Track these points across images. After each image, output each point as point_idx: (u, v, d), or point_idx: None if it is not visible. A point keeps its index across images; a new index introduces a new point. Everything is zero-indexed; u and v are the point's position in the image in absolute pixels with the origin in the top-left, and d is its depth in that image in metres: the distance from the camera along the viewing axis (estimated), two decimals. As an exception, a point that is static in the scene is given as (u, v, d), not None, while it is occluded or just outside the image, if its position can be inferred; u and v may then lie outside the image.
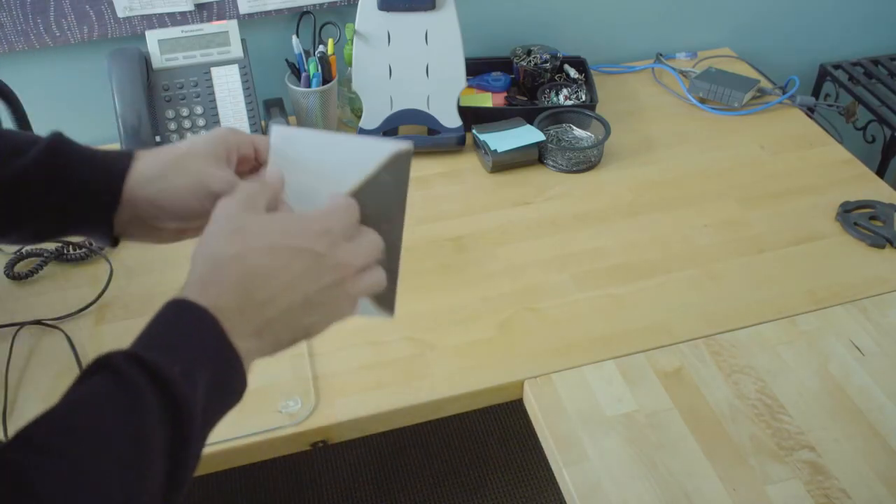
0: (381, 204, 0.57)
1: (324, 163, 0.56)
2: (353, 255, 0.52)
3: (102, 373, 0.42)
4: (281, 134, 0.56)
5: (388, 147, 0.55)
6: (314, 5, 1.21)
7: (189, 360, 0.44)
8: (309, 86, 1.16)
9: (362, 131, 1.19)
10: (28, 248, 1.01)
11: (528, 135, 1.15)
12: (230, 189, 0.53)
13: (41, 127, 1.03)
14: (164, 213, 0.55)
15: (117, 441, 0.40)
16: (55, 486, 0.37)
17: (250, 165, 0.59)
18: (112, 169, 0.55)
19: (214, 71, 1.11)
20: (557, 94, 1.26)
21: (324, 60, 1.16)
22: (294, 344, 0.51)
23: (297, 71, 1.18)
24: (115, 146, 1.19)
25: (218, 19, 1.18)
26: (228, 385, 0.47)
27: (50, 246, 1.01)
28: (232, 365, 0.46)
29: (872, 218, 1.05)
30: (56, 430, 0.39)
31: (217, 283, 0.47)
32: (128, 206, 0.55)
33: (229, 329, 0.46)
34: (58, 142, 0.54)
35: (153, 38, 1.09)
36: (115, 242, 0.57)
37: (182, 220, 0.56)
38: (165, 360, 0.43)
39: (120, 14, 1.15)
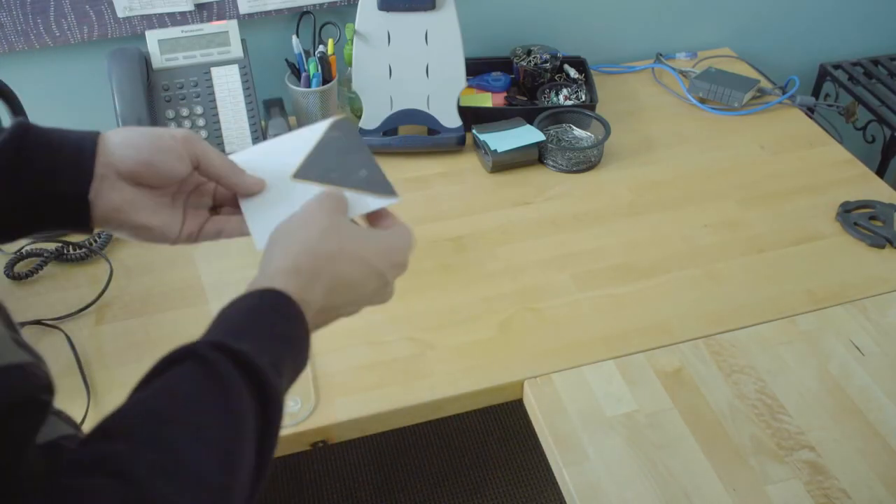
0: (344, 151, 0.62)
1: (283, 157, 0.62)
2: (397, 274, 0.56)
3: (189, 362, 0.43)
4: (240, 160, 0.60)
5: (327, 121, 0.63)
6: (314, 5, 1.21)
7: (280, 350, 0.46)
8: (309, 86, 1.16)
9: (362, 131, 1.19)
10: (28, 247, 1.01)
11: (528, 135, 1.15)
12: (192, 132, 0.55)
13: (41, 127, 1.04)
14: (144, 171, 0.54)
15: (213, 429, 0.40)
16: (158, 476, 0.37)
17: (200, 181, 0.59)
18: (81, 141, 0.53)
19: (214, 71, 1.11)
20: (557, 94, 1.26)
21: (324, 60, 1.16)
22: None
23: (297, 71, 1.18)
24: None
25: (218, 19, 1.18)
26: (300, 366, 0.49)
27: (50, 246, 1.01)
28: (306, 355, 0.49)
29: (872, 218, 1.05)
30: (153, 421, 0.40)
31: (311, 277, 0.50)
32: (103, 178, 0.53)
33: (308, 321, 0.49)
34: (21, 128, 0.52)
35: (153, 38, 1.09)
36: (90, 229, 0.55)
37: (160, 163, 0.54)
38: (255, 349, 0.44)
39: (120, 14, 1.15)
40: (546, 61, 1.26)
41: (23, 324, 0.93)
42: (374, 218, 0.59)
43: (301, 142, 0.62)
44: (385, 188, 0.60)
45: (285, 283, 0.48)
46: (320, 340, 0.90)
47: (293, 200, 0.57)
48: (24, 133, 0.51)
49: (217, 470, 0.39)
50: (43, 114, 1.17)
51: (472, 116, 1.20)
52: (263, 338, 0.45)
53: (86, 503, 0.35)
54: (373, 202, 0.59)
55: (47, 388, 0.40)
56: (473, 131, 1.17)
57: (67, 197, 0.52)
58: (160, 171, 0.54)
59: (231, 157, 0.59)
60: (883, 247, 1.01)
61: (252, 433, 0.42)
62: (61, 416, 0.47)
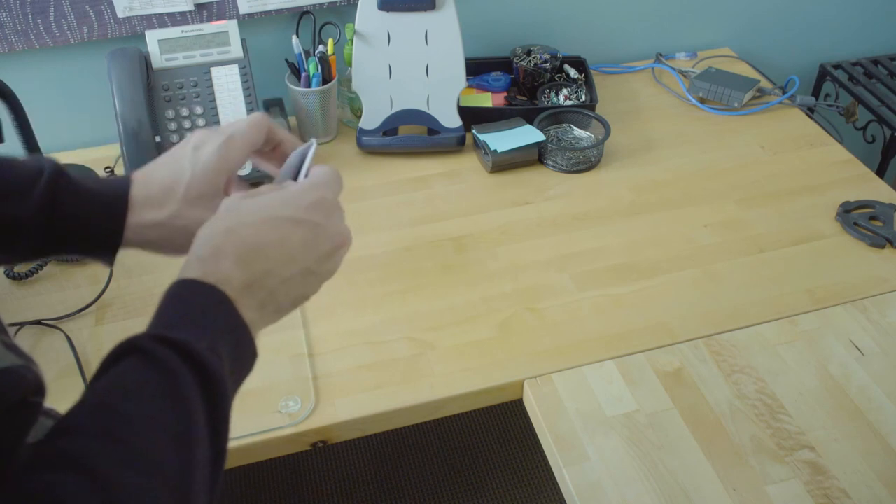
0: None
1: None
2: (343, 231, 0.53)
3: (132, 356, 0.43)
4: None
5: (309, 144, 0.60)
6: (314, 5, 1.21)
7: (211, 335, 0.45)
8: (309, 86, 1.16)
9: (362, 131, 1.19)
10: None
11: (527, 135, 1.15)
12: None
13: (41, 127, 1.04)
14: (169, 237, 0.57)
15: (165, 417, 0.41)
16: (117, 467, 0.38)
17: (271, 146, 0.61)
18: (112, 206, 0.56)
19: (214, 71, 1.11)
20: (557, 94, 1.26)
21: (324, 60, 1.16)
22: (294, 309, 0.53)
23: (297, 71, 1.18)
24: (116, 147, 1.19)
25: (218, 19, 1.18)
26: (243, 356, 0.48)
27: (50, 246, 1.01)
28: (244, 337, 0.48)
29: (872, 218, 1.05)
30: (106, 415, 0.40)
31: (215, 258, 0.48)
32: (131, 236, 0.57)
33: (235, 300, 0.47)
34: (57, 180, 0.55)
35: (153, 38, 1.09)
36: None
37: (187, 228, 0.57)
38: (192, 336, 0.44)
39: (120, 14, 1.15)
40: (546, 61, 1.26)
41: (22, 324, 0.93)
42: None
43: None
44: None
45: (193, 271, 0.48)
46: (321, 341, 0.90)
47: None
48: (60, 185, 0.54)
49: (173, 453, 0.40)
50: (43, 114, 1.17)
51: (472, 116, 1.20)
52: (194, 324, 0.45)
53: (53, 500, 0.36)
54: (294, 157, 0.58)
55: (37, 390, 0.41)
56: (473, 131, 1.17)
57: (99, 252, 0.57)
58: (186, 207, 0.57)
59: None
60: (883, 247, 1.01)
61: (202, 415, 0.42)
62: (51, 415, 0.47)
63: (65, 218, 0.54)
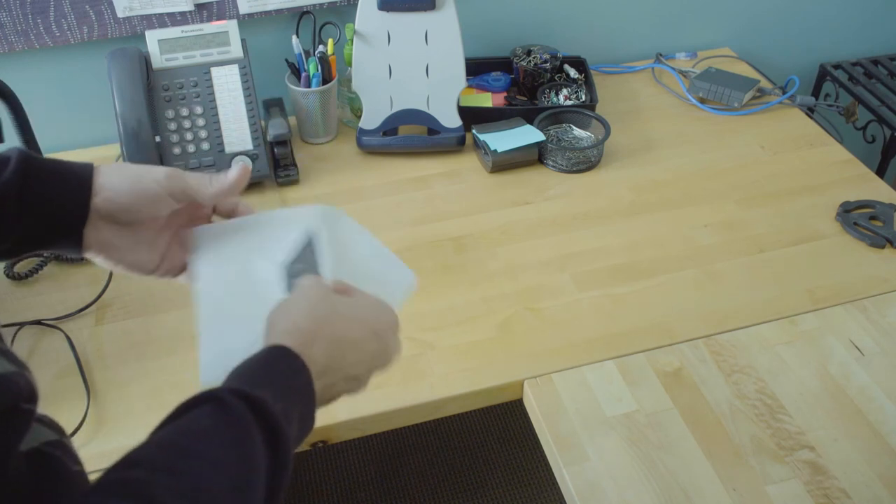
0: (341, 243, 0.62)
1: (255, 242, 0.61)
2: (397, 346, 0.59)
3: (208, 404, 0.45)
4: (201, 234, 0.61)
5: (311, 211, 0.61)
6: (314, 5, 1.21)
7: (289, 402, 0.48)
8: (309, 86, 1.16)
9: (362, 131, 1.19)
10: (28, 248, 1.01)
11: (527, 135, 1.15)
12: (202, 184, 0.58)
13: (41, 127, 1.04)
14: (122, 215, 0.57)
15: (229, 465, 0.43)
16: (176, 499, 0.39)
17: (198, 212, 0.63)
18: (78, 184, 0.57)
19: (214, 71, 1.11)
20: (557, 94, 1.26)
21: (324, 60, 1.16)
22: (327, 405, 0.56)
23: (297, 71, 1.18)
24: (116, 147, 1.19)
25: (218, 19, 1.18)
26: (306, 423, 0.51)
27: (50, 246, 1.01)
28: (311, 414, 0.51)
29: (872, 218, 1.05)
30: (173, 453, 0.42)
31: (311, 335, 0.52)
32: (95, 218, 0.57)
33: (317, 385, 0.51)
34: (26, 162, 0.55)
35: (153, 38, 1.09)
36: (82, 253, 0.59)
37: (142, 205, 0.57)
38: (270, 397, 0.47)
39: (120, 14, 1.15)
40: (546, 61, 1.26)
41: (22, 324, 0.93)
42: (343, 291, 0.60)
43: (277, 230, 0.61)
44: (399, 274, 0.62)
45: (288, 340, 0.51)
46: (320, 340, 0.90)
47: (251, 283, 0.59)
48: (27, 167, 0.55)
49: (231, 497, 0.42)
50: (43, 114, 1.17)
51: (472, 116, 1.20)
52: (275, 388, 0.48)
53: None
54: (393, 296, 0.60)
55: (29, 398, 0.41)
56: (473, 131, 1.17)
57: (66, 233, 0.56)
58: (137, 215, 0.57)
59: (196, 230, 0.61)
60: (883, 247, 1.01)
61: (264, 471, 0.44)
62: (44, 421, 0.47)
63: (33, 199, 0.55)
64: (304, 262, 0.60)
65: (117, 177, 0.57)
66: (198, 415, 0.45)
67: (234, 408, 0.45)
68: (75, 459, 0.47)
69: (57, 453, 0.45)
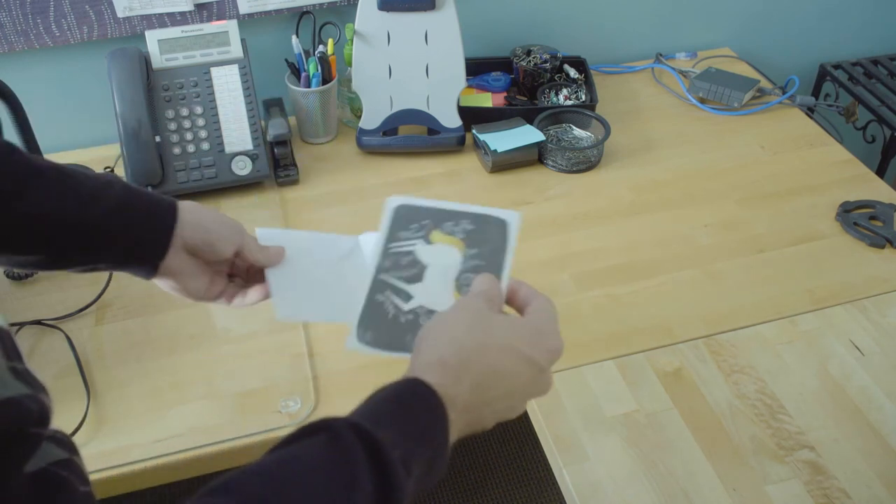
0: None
1: (316, 258, 0.68)
2: (550, 378, 0.55)
3: (322, 434, 0.43)
4: (266, 236, 0.68)
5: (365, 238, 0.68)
6: (314, 5, 1.21)
7: (412, 447, 0.44)
8: (309, 86, 1.16)
9: (362, 131, 1.19)
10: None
11: (527, 135, 1.15)
12: (251, 248, 0.66)
13: (41, 127, 1.04)
14: (204, 249, 0.65)
15: None
16: None
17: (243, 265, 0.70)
18: (166, 219, 0.63)
19: (214, 71, 1.11)
20: (557, 94, 1.26)
21: (324, 60, 1.16)
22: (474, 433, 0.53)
23: (296, 71, 1.18)
24: (116, 147, 1.19)
25: (218, 19, 1.18)
26: (435, 469, 0.47)
27: (50, 246, 1.01)
28: (441, 458, 0.47)
29: (872, 218, 1.05)
30: (271, 485, 0.40)
31: (457, 372, 0.48)
32: (175, 248, 0.64)
33: (452, 420, 0.47)
34: (126, 195, 0.61)
35: (153, 38, 1.09)
36: (152, 278, 0.66)
37: (215, 257, 0.66)
38: (390, 441, 0.43)
39: (120, 14, 1.15)
40: (546, 61, 1.26)
41: (22, 324, 0.93)
42: (511, 295, 0.58)
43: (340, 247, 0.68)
44: (501, 219, 0.62)
45: (431, 375, 0.48)
46: (321, 341, 0.90)
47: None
48: (124, 203, 0.61)
49: None
50: (43, 114, 1.17)
51: (472, 116, 1.20)
52: (399, 430, 0.45)
53: None
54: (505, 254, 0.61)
55: (40, 421, 0.40)
56: (473, 131, 1.17)
57: (145, 262, 0.63)
58: (216, 251, 0.65)
59: (259, 230, 0.69)
60: (883, 247, 1.01)
61: None
62: (56, 439, 0.46)
63: (123, 232, 0.61)
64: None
65: (204, 215, 0.64)
66: (308, 445, 0.42)
67: (347, 445, 0.42)
68: (84, 479, 0.46)
69: (64, 473, 0.44)
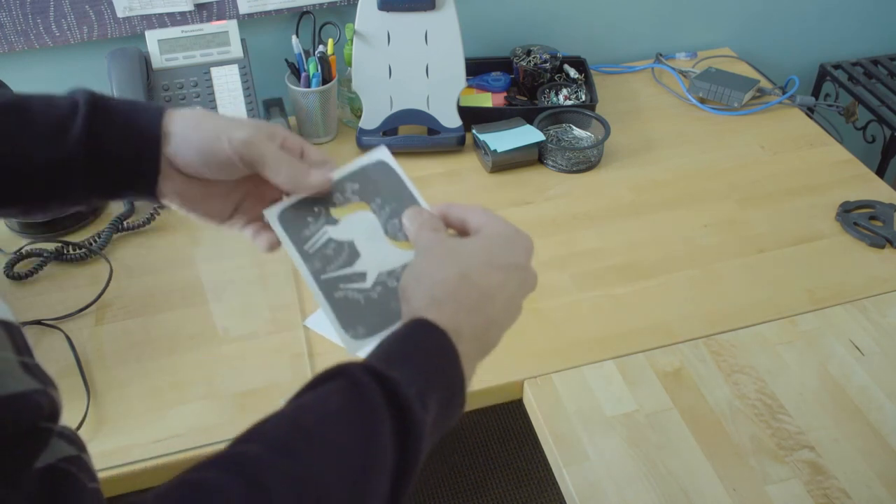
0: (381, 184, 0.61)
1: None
2: (535, 273, 0.55)
3: (339, 380, 0.43)
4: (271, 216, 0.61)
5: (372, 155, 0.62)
6: (314, 5, 1.21)
7: (426, 382, 0.44)
8: (309, 86, 1.16)
9: (362, 131, 1.19)
10: (28, 247, 1.01)
11: (527, 135, 1.15)
12: (257, 134, 0.54)
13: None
14: (192, 161, 0.55)
15: (350, 453, 0.40)
16: (287, 488, 0.37)
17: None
18: (148, 137, 0.54)
19: (214, 71, 1.11)
20: (557, 94, 1.26)
21: (324, 60, 1.16)
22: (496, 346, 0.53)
23: (296, 71, 1.18)
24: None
25: (218, 19, 1.18)
26: (453, 406, 0.47)
27: (50, 246, 1.01)
28: (460, 388, 0.47)
29: (872, 218, 1.05)
30: (293, 432, 0.40)
31: (452, 302, 0.48)
32: (168, 168, 0.55)
33: (463, 353, 0.47)
34: (93, 115, 0.53)
35: (153, 38, 1.09)
36: (159, 202, 0.57)
37: (211, 167, 0.55)
38: (405, 379, 0.43)
39: (120, 14, 1.15)
40: (546, 61, 1.26)
41: (23, 324, 0.92)
42: (460, 226, 0.57)
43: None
44: (375, 162, 0.61)
45: (429, 312, 0.48)
46: (321, 341, 0.90)
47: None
48: (93, 122, 0.52)
49: (343, 488, 0.39)
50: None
51: (472, 116, 1.20)
52: (411, 368, 0.45)
53: (202, 493, 0.36)
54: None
55: (50, 416, 0.40)
56: (473, 131, 1.17)
57: (139, 188, 0.55)
58: (205, 174, 0.55)
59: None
60: (883, 247, 1.01)
61: (390, 463, 0.42)
62: (65, 435, 0.46)
63: (103, 151, 0.53)
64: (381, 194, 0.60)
65: (192, 130, 0.54)
66: (327, 391, 0.42)
67: (364, 388, 0.42)
68: (92, 476, 0.46)
69: (73, 470, 0.44)
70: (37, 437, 0.39)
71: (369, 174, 0.61)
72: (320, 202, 0.59)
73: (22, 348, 0.41)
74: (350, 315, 0.56)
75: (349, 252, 0.58)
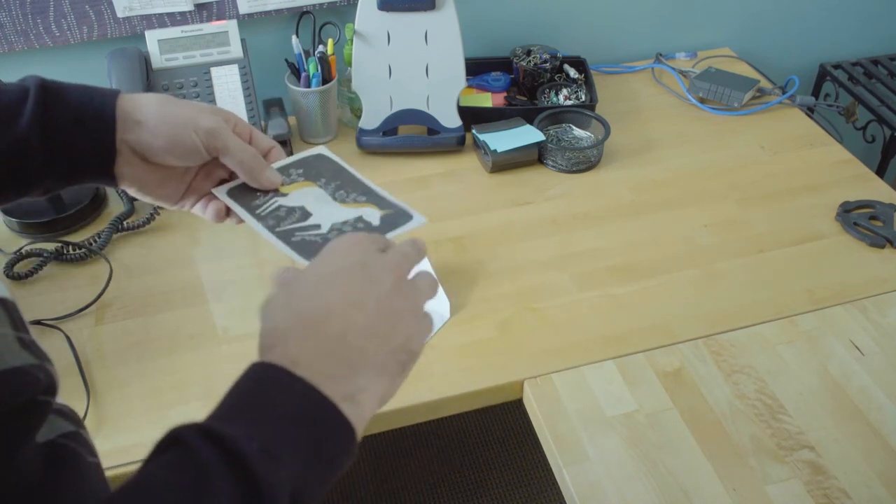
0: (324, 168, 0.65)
1: None
2: (394, 259, 0.49)
3: (173, 450, 0.40)
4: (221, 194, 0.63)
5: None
6: (314, 5, 1.21)
7: (271, 429, 0.40)
8: (309, 86, 1.16)
9: (362, 131, 1.19)
10: (28, 247, 1.01)
11: (527, 135, 1.15)
12: (221, 124, 0.57)
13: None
14: (159, 149, 0.57)
15: None
16: None
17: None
18: (102, 127, 0.55)
19: (214, 71, 1.11)
20: (557, 94, 1.26)
21: (323, 60, 1.16)
22: (407, 368, 0.47)
23: (296, 71, 1.18)
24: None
25: (218, 19, 1.18)
26: (330, 445, 0.42)
27: (49, 246, 1.01)
28: (330, 423, 0.42)
29: (872, 218, 1.05)
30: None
31: (283, 340, 0.44)
32: (126, 154, 0.56)
33: (320, 381, 0.42)
34: (44, 103, 0.53)
35: (153, 38, 1.09)
36: (116, 186, 0.59)
37: (176, 155, 0.57)
38: (244, 433, 0.39)
39: (120, 14, 1.15)
40: (546, 61, 1.26)
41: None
42: None
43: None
44: (317, 154, 0.65)
45: (264, 358, 0.44)
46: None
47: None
48: (45, 109, 0.53)
49: None
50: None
51: (472, 116, 1.20)
52: (250, 420, 0.40)
53: None
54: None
55: (47, 389, 0.40)
56: (473, 131, 1.17)
57: (95, 175, 0.56)
58: (169, 161, 0.57)
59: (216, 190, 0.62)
60: (883, 247, 1.01)
61: None
62: (63, 412, 0.46)
63: (56, 136, 0.54)
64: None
65: (158, 121, 0.55)
66: (161, 464, 0.40)
67: (199, 455, 0.38)
68: (91, 451, 0.47)
69: (72, 445, 0.44)
70: (36, 409, 0.40)
71: (311, 163, 0.64)
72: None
73: (18, 324, 0.41)
74: (310, 252, 0.56)
75: (301, 213, 0.60)
